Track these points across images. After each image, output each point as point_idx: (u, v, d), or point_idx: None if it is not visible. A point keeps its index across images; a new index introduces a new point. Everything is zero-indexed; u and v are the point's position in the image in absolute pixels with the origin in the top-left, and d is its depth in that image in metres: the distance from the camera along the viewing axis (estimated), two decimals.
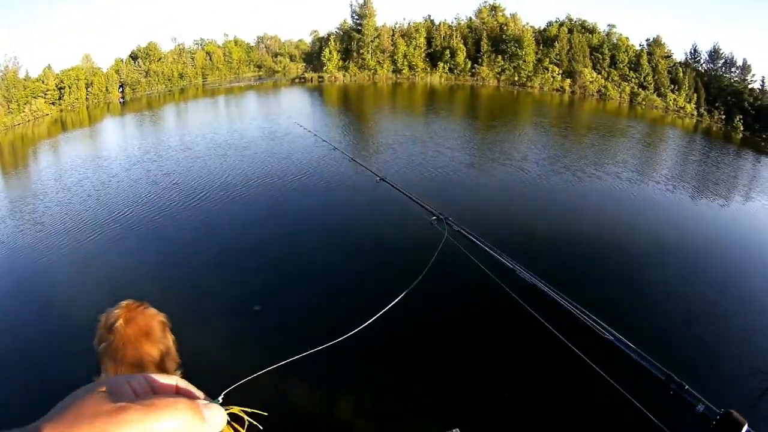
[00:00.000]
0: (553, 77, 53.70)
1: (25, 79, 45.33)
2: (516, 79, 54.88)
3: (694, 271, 12.62)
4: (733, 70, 50.77)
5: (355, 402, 7.29)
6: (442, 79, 57.19)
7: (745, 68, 49.87)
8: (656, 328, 9.26)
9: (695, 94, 48.76)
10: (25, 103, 43.40)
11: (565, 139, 28.54)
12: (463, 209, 14.40)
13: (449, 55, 57.56)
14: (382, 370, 7.99)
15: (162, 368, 1.78)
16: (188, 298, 9.97)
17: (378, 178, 5.86)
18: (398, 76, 58.57)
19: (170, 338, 1.92)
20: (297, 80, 61.96)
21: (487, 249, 3.24)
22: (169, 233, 13.62)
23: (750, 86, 48.33)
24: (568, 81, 52.72)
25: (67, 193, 18.03)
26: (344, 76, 59.55)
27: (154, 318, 1.88)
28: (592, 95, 51.10)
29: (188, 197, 16.43)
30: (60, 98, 47.26)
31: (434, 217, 3.95)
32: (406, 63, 58.83)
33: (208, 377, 5.65)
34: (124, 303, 1.85)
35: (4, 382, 8.01)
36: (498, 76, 55.71)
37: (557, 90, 52.72)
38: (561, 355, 8.12)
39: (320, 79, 59.53)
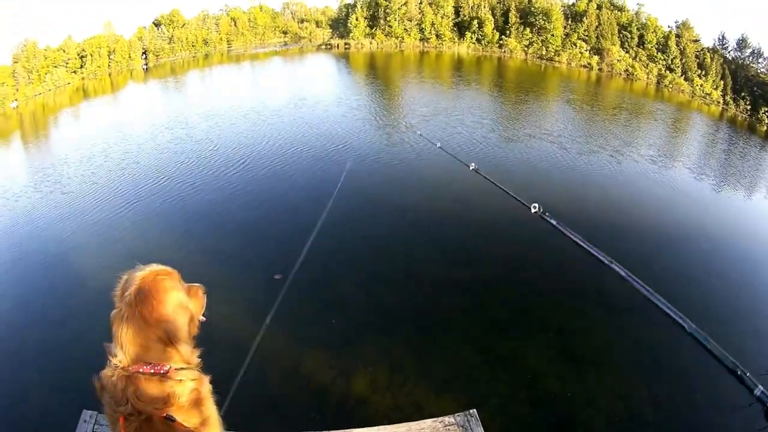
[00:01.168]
0: (581, 53, 52.48)
1: (45, 50, 44.60)
2: (543, 53, 53.76)
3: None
4: (760, 60, 49.19)
5: (372, 377, 7.26)
6: (470, 50, 56.06)
7: None
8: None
9: (722, 82, 47.49)
10: (46, 73, 42.77)
11: (596, 118, 28.15)
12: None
13: (477, 26, 56.27)
14: (400, 347, 7.99)
15: (168, 344, 1.72)
16: (211, 264, 9.96)
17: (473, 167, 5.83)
18: (425, 44, 57.45)
19: (189, 312, 1.83)
20: (323, 47, 60.86)
21: (576, 239, 3.37)
22: (194, 202, 13.67)
23: None
24: (596, 58, 51.46)
25: (89, 163, 17.85)
26: (371, 43, 58.46)
27: (169, 292, 1.76)
28: (620, 74, 49.96)
29: (213, 166, 16.33)
30: (82, 67, 46.54)
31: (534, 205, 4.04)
32: (433, 32, 57.64)
33: (228, 345, 7.53)
34: (149, 268, 1.77)
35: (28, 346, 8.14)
36: (525, 49, 54.58)
37: (584, 66, 51.54)
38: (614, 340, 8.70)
39: (346, 46, 58.52)
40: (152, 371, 1.65)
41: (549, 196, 13.94)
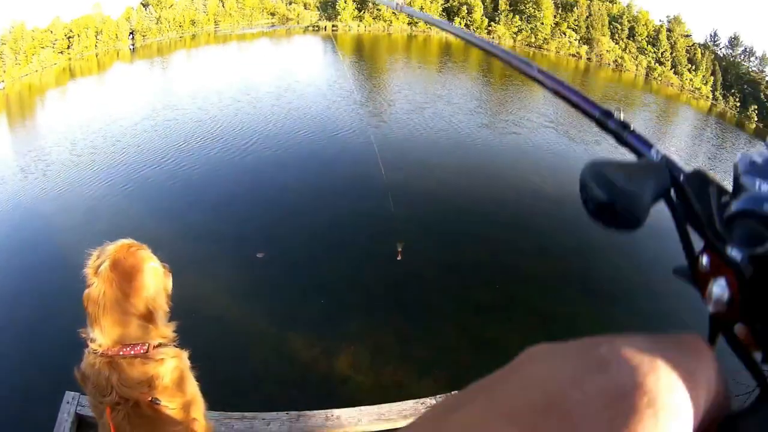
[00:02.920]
0: (570, 42, 50.73)
1: (33, 31, 42.73)
2: (532, 40, 51.90)
3: None
4: (752, 59, 48.36)
5: (354, 357, 7.03)
6: None
7: (764, 60, 47.44)
8: None
9: (712, 77, 46.39)
10: (33, 54, 41.00)
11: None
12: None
13: (466, 11, 54.21)
14: (383, 327, 7.69)
15: (148, 320, 1.66)
16: (193, 244, 9.54)
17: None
18: (413, 28, 55.27)
19: (163, 286, 1.77)
20: (311, 28, 58.46)
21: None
22: (177, 181, 13.03)
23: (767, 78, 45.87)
24: (585, 48, 49.82)
25: (73, 145, 16.76)
26: (358, 26, 56.51)
27: (146, 262, 1.71)
28: (608, 65, 48.42)
29: (198, 147, 15.51)
30: (69, 47, 44.57)
31: None
32: None
33: (212, 324, 7.11)
34: (119, 242, 1.70)
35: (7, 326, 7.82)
36: (514, 36, 52.59)
37: (573, 55, 49.93)
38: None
39: (334, 29, 56.33)
40: (133, 353, 1.60)
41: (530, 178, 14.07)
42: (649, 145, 0.59)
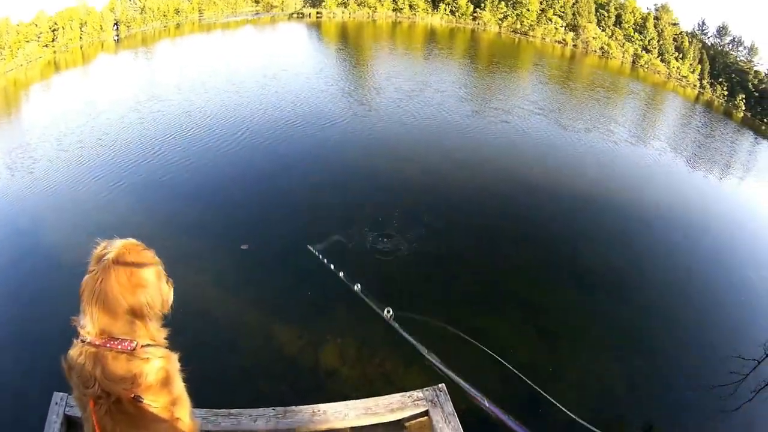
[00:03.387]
0: (556, 29, 49.65)
1: (18, 25, 41.32)
2: (518, 27, 50.73)
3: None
4: (739, 49, 47.82)
5: (341, 350, 7.02)
6: (443, 21, 52.79)
7: (753, 50, 46.88)
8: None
9: (699, 66, 45.76)
10: (18, 49, 39.69)
11: (566, 92, 26.44)
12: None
13: None
14: (371, 320, 7.62)
15: (138, 317, 1.65)
16: (178, 237, 9.38)
17: None
18: (398, 15, 53.92)
19: (161, 289, 1.75)
20: (295, 15, 57.36)
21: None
22: (163, 175, 12.78)
23: (755, 68, 45.36)
24: (571, 35, 48.87)
25: (59, 140, 16.12)
26: (343, 13, 55.01)
27: (149, 264, 1.72)
28: (594, 51, 47.59)
29: (184, 140, 15.18)
30: (53, 40, 43.25)
31: None
32: (406, 2, 54.05)
33: (200, 317, 7.45)
34: (128, 240, 1.72)
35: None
36: (500, 22, 51.41)
37: (559, 42, 48.97)
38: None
39: (318, 15, 55.07)
40: (119, 347, 1.60)
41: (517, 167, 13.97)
42: None
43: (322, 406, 3.26)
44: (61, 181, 12.88)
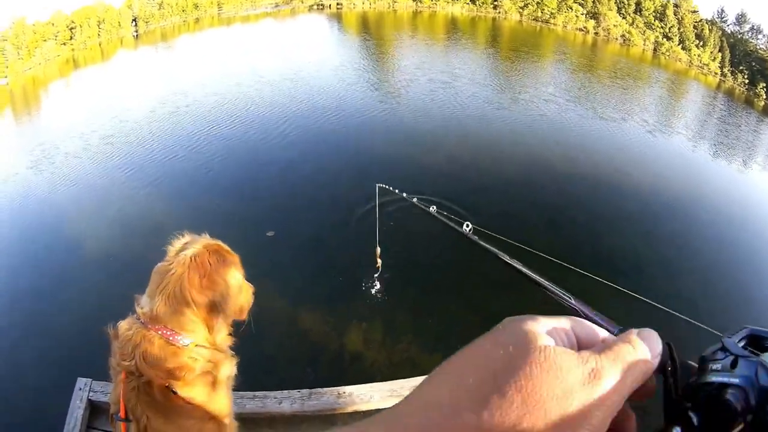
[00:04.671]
0: (577, 17, 49.19)
1: (34, 25, 41.84)
2: (539, 15, 50.26)
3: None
4: (759, 37, 46.79)
5: (366, 334, 6.92)
6: (464, 10, 52.42)
7: None
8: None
9: (720, 54, 44.92)
10: (36, 48, 40.03)
11: (592, 78, 26.14)
12: None
13: None
14: (395, 304, 7.51)
15: (202, 317, 1.61)
16: (204, 224, 8.92)
17: None
18: (419, 4, 53.59)
19: (237, 296, 1.73)
20: (315, 7, 56.70)
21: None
22: (188, 164, 12.83)
23: None
24: (592, 22, 48.30)
25: (81, 136, 16.06)
26: (363, 3, 54.65)
27: (230, 270, 1.69)
28: (616, 39, 47.04)
29: (206, 130, 15.09)
30: (71, 38, 43.56)
31: None
32: None
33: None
34: (211, 240, 1.72)
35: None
36: (521, 10, 51.08)
37: (580, 30, 48.47)
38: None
39: (339, 6, 54.70)
40: (170, 338, 1.56)
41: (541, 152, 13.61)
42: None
43: (347, 389, 3.30)
44: (84, 176, 13.01)
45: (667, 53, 45.69)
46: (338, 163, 12.23)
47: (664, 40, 46.88)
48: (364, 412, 3.25)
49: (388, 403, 2.97)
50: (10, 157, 15.72)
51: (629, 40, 47.02)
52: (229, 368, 1.76)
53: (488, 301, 7.54)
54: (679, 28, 47.59)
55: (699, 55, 45.15)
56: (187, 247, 1.64)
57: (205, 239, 1.71)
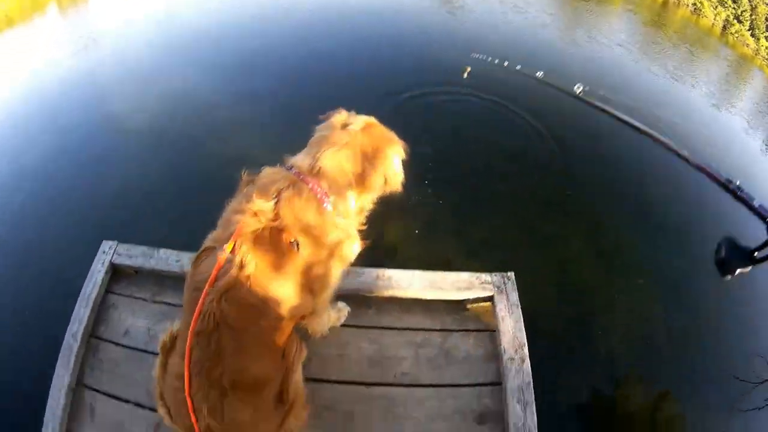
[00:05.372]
0: None
1: None
2: None
3: None
4: None
5: (405, 226, 6.41)
6: None
7: None
8: None
9: None
10: None
11: (661, 36, 24.29)
12: None
13: None
14: (440, 203, 6.95)
15: (353, 186, 1.64)
16: (253, 108, 8.78)
17: None
18: None
19: (393, 168, 1.76)
20: None
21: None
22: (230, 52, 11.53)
23: None
24: None
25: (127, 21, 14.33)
26: None
27: (397, 144, 1.76)
28: (686, 6, 44.10)
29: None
30: None
31: None
32: None
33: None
34: (370, 117, 1.74)
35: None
36: None
37: None
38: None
39: None
40: (319, 194, 1.51)
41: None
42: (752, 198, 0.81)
43: (388, 272, 3.17)
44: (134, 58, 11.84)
45: (736, 35, 43.19)
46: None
47: (735, 21, 44.64)
48: (401, 299, 3.09)
49: (427, 294, 3.09)
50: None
51: (700, 10, 44.39)
52: (355, 247, 1.74)
53: (536, 218, 7.24)
54: (750, 15, 45.41)
55: (767, 47, 43.33)
56: (351, 121, 1.67)
57: (365, 116, 1.70)
